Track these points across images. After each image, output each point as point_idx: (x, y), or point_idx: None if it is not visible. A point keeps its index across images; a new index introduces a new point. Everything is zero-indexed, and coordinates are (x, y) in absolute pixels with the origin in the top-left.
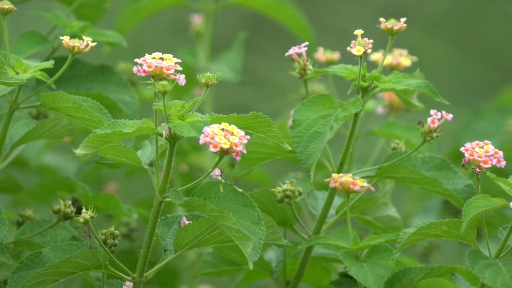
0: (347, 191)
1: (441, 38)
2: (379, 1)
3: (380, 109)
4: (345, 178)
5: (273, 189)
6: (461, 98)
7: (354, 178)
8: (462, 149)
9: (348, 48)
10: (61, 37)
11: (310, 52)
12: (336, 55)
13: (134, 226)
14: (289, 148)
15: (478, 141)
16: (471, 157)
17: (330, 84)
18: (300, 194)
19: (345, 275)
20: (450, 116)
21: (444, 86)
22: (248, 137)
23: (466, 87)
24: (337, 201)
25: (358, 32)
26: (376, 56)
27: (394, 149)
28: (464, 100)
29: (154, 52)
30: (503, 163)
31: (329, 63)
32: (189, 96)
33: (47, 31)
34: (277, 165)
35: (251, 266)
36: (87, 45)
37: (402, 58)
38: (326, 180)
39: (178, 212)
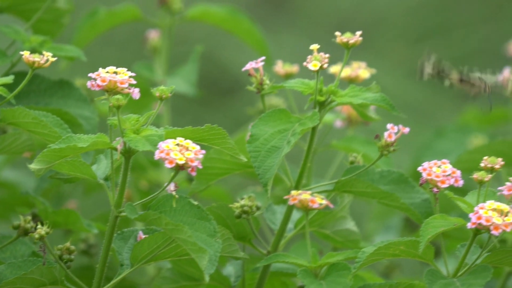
0: (306, 209)
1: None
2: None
3: (338, 123)
4: (304, 195)
5: (231, 205)
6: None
7: (313, 196)
8: (419, 168)
9: (305, 63)
10: (21, 52)
11: (269, 66)
12: (294, 68)
13: (93, 242)
14: (245, 159)
15: (436, 160)
16: (429, 177)
17: (288, 97)
18: (258, 209)
19: None
20: (407, 130)
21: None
22: (204, 151)
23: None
24: (296, 215)
25: (314, 47)
26: (334, 69)
27: (352, 163)
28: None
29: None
30: (460, 183)
31: (288, 76)
32: (148, 110)
33: (6, 46)
34: (237, 180)
35: (207, 278)
36: (47, 60)
37: (361, 70)
38: (285, 197)
39: (136, 227)
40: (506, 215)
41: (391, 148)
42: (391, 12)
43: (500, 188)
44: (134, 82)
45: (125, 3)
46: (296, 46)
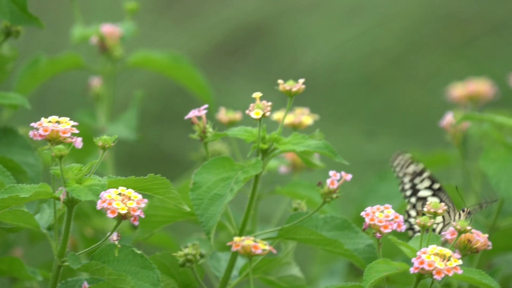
0: (249, 255)
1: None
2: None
3: (283, 169)
4: (247, 241)
5: (174, 254)
6: None
7: (256, 242)
8: (362, 213)
9: (247, 111)
10: None
11: (213, 112)
12: (238, 115)
13: None
14: (188, 209)
15: (379, 205)
16: (372, 222)
17: (232, 143)
18: (202, 256)
19: None
20: (349, 177)
21: None
22: (146, 200)
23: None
24: (240, 262)
25: (257, 95)
26: (277, 116)
27: (295, 209)
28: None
29: (54, 115)
30: (403, 227)
31: (231, 123)
32: (92, 157)
33: None
34: (182, 226)
35: None
36: None
37: (304, 117)
38: (228, 243)
39: (81, 276)
40: (448, 260)
41: (334, 195)
42: (344, 66)
43: (443, 233)
44: (76, 131)
45: (67, 50)
46: (248, 95)
